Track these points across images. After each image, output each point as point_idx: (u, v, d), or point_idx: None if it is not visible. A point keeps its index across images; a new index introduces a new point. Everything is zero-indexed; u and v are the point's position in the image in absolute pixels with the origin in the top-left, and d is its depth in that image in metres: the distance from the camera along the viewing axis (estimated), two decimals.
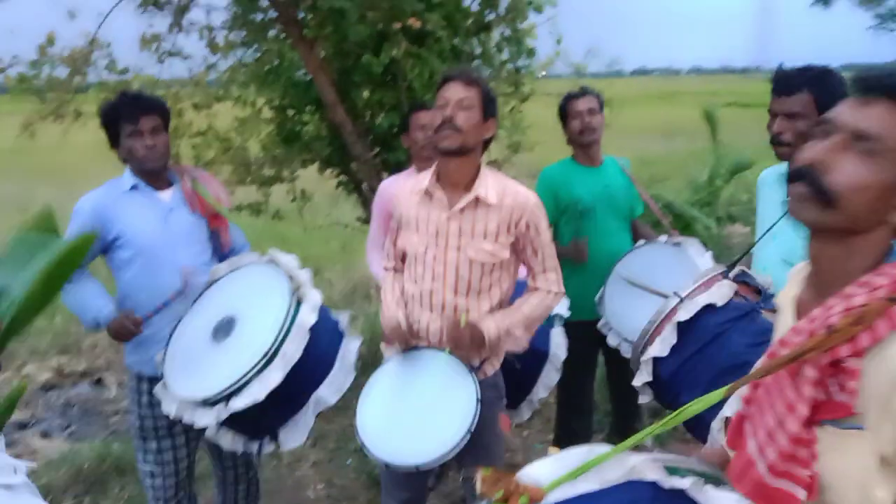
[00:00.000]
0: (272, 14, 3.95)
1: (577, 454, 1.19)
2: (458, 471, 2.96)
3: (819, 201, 1.11)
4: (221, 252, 2.67)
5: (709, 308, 1.82)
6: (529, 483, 1.15)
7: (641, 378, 1.84)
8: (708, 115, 7.00)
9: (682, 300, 1.83)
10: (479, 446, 2.23)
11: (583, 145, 3.20)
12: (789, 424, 1.13)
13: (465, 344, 2.29)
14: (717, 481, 1.20)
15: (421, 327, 2.42)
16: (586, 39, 5.53)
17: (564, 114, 3.22)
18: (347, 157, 4.45)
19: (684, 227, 5.89)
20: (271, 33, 4.12)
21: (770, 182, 2.41)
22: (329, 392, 2.34)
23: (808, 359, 1.09)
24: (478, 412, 2.17)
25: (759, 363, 1.25)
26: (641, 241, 3.11)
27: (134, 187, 2.55)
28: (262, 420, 2.31)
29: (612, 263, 3.00)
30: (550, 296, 2.42)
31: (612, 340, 2.96)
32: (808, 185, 1.12)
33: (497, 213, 2.30)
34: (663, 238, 3.04)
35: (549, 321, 3.01)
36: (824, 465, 1.12)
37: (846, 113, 1.12)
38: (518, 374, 2.64)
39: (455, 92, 2.28)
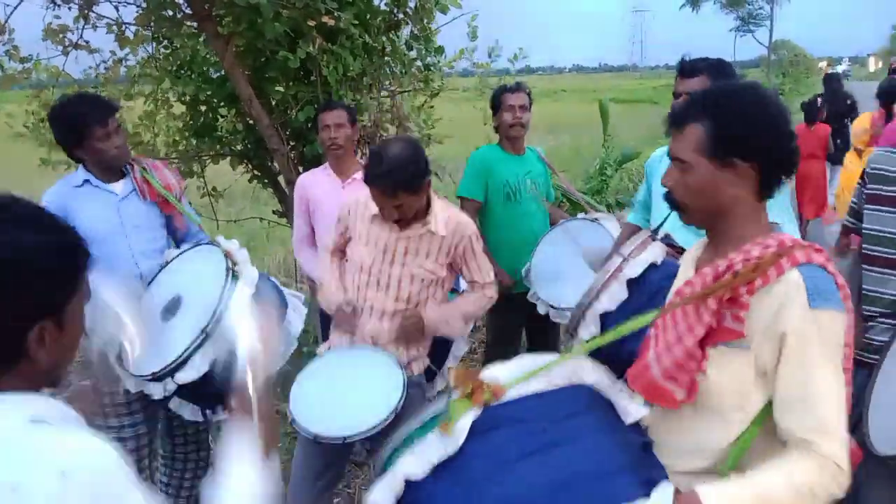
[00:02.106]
0: (185, 10, 3.98)
1: (530, 360, 1.47)
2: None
3: (680, 210, 1.57)
4: (179, 234, 2.79)
5: (652, 265, 2.10)
6: (492, 381, 1.41)
7: (588, 331, 2.08)
8: (602, 109, 7.46)
9: (625, 259, 2.10)
10: None
11: (510, 137, 3.52)
12: (686, 340, 1.48)
13: (411, 334, 2.60)
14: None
15: (358, 329, 2.65)
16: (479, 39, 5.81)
17: (497, 104, 3.52)
18: (262, 152, 4.54)
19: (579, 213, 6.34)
20: (184, 29, 4.15)
21: (658, 160, 2.83)
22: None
23: (715, 294, 1.44)
24: (404, 394, 2.38)
25: (675, 299, 1.57)
26: (562, 221, 3.45)
27: (86, 181, 2.67)
28: (213, 388, 2.46)
29: (534, 241, 3.31)
30: (486, 298, 2.74)
31: (541, 309, 3.25)
32: (671, 204, 1.59)
33: (440, 240, 2.57)
34: (581, 216, 3.40)
35: None
36: (713, 376, 1.48)
37: (671, 148, 1.56)
38: (432, 348, 2.87)
39: (385, 201, 2.42)
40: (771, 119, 1.47)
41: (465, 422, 1.35)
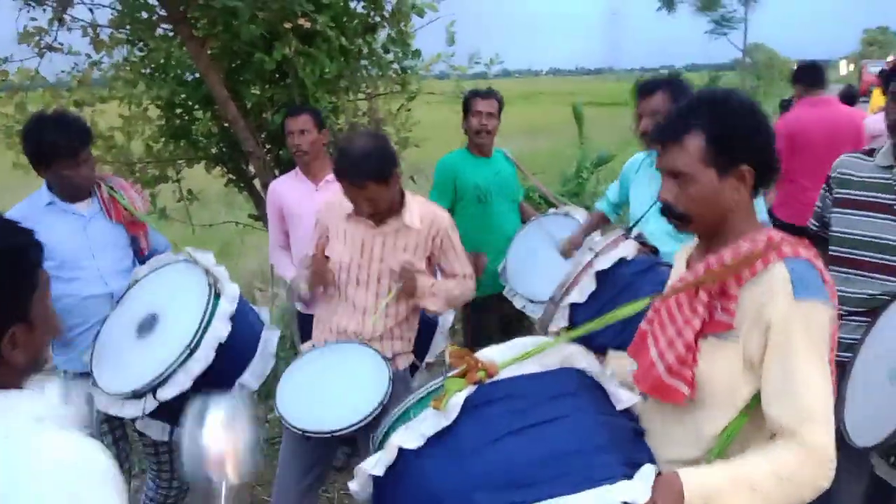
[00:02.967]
0: (160, 12, 3.95)
1: (524, 342, 1.53)
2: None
3: (683, 222, 1.57)
4: (141, 256, 2.78)
5: (622, 260, 2.13)
6: (486, 361, 1.46)
7: (558, 324, 2.12)
8: (576, 113, 7.53)
9: (597, 254, 2.13)
10: None
11: (476, 143, 3.57)
12: (686, 334, 1.50)
13: (411, 282, 2.55)
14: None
15: (340, 327, 2.66)
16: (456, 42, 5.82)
17: (466, 108, 3.57)
18: (237, 155, 4.51)
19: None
20: (159, 31, 4.12)
21: (636, 167, 2.89)
22: (251, 378, 2.50)
23: (704, 286, 1.48)
24: (390, 389, 2.38)
25: (666, 291, 1.61)
26: (534, 217, 3.50)
27: (51, 203, 2.65)
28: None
29: (506, 241, 3.34)
30: (468, 287, 2.75)
31: (517, 304, 3.29)
32: (672, 217, 1.58)
33: (416, 233, 2.60)
34: (552, 211, 3.45)
35: None
36: (704, 368, 1.50)
37: (665, 161, 1.56)
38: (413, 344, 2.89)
39: (356, 194, 2.45)
40: (762, 119, 1.53)
41: (458, 398, 1.41)
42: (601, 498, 1.26)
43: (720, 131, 1.48)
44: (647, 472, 1.33)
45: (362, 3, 4.33)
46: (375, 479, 1.48)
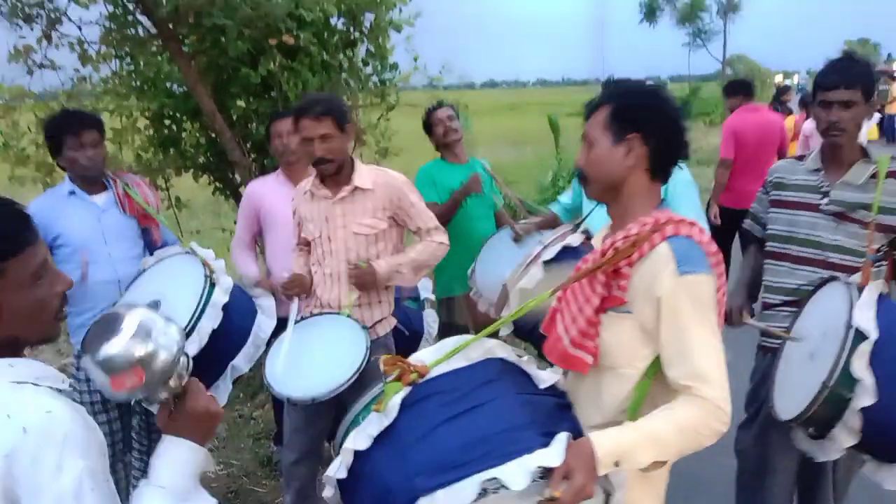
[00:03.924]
0: (150, 30, 4.14)
1: (451, 342, 1.71)
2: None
3: (584, 182, 1.82)
4: (153, 247, 3.00)
5: (567, 248, 2.35)
6: (418, 363, 1.65)
7: (510, 310, 2.33)
8: (552, 123, 7.76)
9: (545, 246, 2.35)
10: None
11: (448, 145, 3.79)
12: (586, 310, 1.72)
13: (365, 280, 2.79)
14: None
15: (323, 299, 2.89)
16: (441, 54, 6.08)
17: (429, 124, 3.80)
18: (224, 164, 4.70)
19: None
20: (148, 47, 4.31)
21: None
22: (243, 361, 2.70)
23: (602, 269, 1.68)
24: (367, 357, 2.60)
25: (570, 277, 1.82)
26: (506, 224, 3.73)
27: (72, 193, 2.90)
28: None
29: (479, 245, 3.55)
30: (435, 244, 2.96)
31: (481, 307, 3.48)
32: (580, 178, 1.84)
33: (372, 195, 2.84)
34: (523, 221, 3.68)
35: (421, 305, 3.53)
36: (606, 338, 1.72)
37: (584, 129, 1.82)
38: (399, 352, 3.10)
39: (312, 129, 2.72)
40: (664, 103, 1.75)
41: (395, 400, 1.59)
42: (520, 466, 1.43)
43: (621, 104, 1.73)
44: (560, 439, 1.50)
45: (342, 20, 4.55)
46: (340, 482, 1.64)
